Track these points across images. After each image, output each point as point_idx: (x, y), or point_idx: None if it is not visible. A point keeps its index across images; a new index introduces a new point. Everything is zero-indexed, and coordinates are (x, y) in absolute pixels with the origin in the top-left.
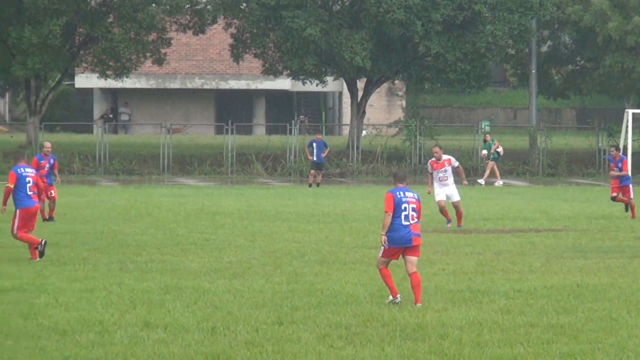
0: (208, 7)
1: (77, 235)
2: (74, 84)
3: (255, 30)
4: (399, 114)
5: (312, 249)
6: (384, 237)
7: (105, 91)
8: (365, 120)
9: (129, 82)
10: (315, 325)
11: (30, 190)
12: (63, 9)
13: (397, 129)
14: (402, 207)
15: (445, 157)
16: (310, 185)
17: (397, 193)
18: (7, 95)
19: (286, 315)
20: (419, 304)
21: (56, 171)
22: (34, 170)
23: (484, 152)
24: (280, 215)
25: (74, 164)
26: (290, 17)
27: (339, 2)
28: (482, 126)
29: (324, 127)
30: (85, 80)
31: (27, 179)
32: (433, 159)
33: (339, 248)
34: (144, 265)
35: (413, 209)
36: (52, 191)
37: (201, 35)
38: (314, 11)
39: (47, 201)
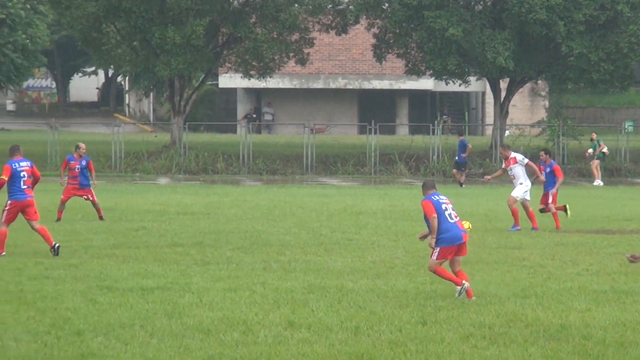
0: (350, 7)
1: (221, 234)
2: (217, 84)
3: (397, 30)
4: (541, 114)
5: None
6: (433, 240)
7: (248, 91)
8: (508, 121)
9: (272, 82)
10: (458, 325)
11: (24, 184)
12: (206, 9)
13: (540, 129)
14: (443, 208)
15: (512, 155)
16: (461, 185)
17: (433, 197)
18: (151, 95)
19: (429, 315)
20: (473, 298)
21: (93, 174)
22: (29, 163)
23: (590, 150)
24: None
25: (217, 163)
26: (432, 17)
27: (481, 2)
28: (626, 126)
29: (466, 127)
30: (229, 80)
31: (22, 173)
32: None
33: (482, 248)
34: (288, 265)
35: (452, 208)
36: (89, 195)
37: (344, 35)
38: (456, 11)
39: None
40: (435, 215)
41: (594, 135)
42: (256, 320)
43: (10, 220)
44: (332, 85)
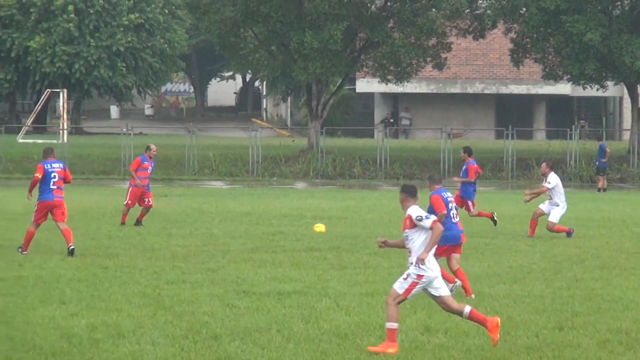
0: (488, 11)
1: (358, 239)
2: (354, 89)
3: (535, 35)
4: None
5: (592, 254)
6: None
7: (385, 96)
8: None
9: (409, 87)
10: (595, 330)
11: (54, 185)
12: (344, 14)
13: None
14: (450, 207)
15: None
16: (599, 190)
17: (443, 193)
18: (288, 99)
19: (566, 320)
20: (472, 295)
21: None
22: (61, 165)
23: None
24: (561, 220)
25: (354, 168)
26: (570, 21)
27: (619, 7)
28: None
29: (604, 132)
30: (366, 84)
31: (53, 174)
32: None
33: (619, 253)
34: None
35: (455, 208)
36: (150, 199)
37: (481, 40)
38: (593, 15)
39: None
40: (445, 212)
41: None
42: None
43: (39, 219)
44: (470, 90)
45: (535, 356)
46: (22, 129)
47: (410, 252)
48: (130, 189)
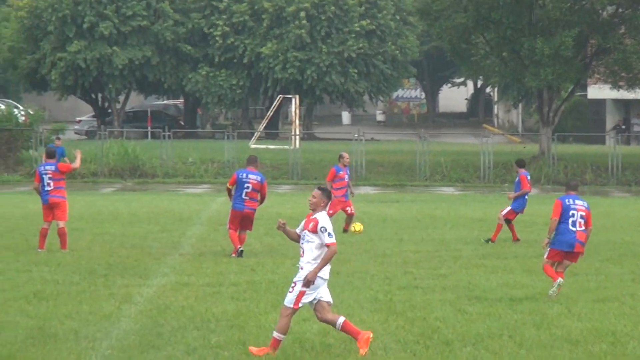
0: None
1: (589, 245)
2: (586, 95)
3: None
4: None
5: None
6: (546, 240)
7: (617, 102)
8: None
9: None
10: None
11: (245, 195)
12: (575, 20)
13: None
14: (570, 214)
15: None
16: None
17: (566, 200)
18: (519, 106)
19: None
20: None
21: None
22: (259, 177)
23: None
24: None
25: (586, 174)
26: None
27: None
28: None
29: None
30: (598, 91)
31: (247, 185)
32: None
33: None
34: None
35: (581, 216)
36: (350, 207)
37: None
38: None
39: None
40: (556, 218)
41: None
42: (625, 332)
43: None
44: None
45: None
46: (255, 135)
47: (303, 252)
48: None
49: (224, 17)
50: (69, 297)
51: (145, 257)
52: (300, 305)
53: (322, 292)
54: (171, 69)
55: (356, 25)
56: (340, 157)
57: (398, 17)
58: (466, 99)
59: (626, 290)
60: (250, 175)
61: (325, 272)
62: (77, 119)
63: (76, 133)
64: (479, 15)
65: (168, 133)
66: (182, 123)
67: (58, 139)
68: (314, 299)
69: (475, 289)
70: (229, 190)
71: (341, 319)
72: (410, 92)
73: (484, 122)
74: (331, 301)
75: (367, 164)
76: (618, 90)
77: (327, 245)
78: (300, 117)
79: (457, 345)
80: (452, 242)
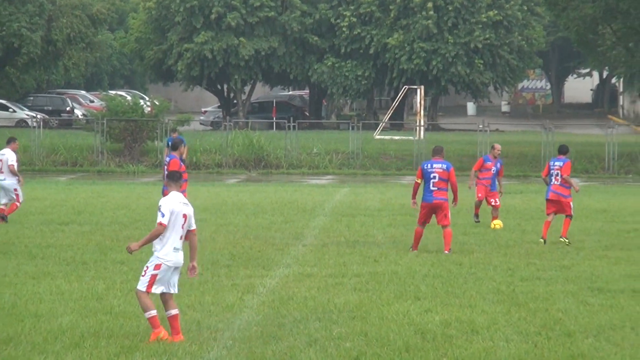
0: None
1: None
2: None
3: None
4: None
5: None
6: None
7: None
8: None
9: None
10: None
11: (433, 186)
12: None
13: None
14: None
15: None
16: None
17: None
18: None
19: None
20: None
21: (500, 178)
22: (444, 165)
23: None
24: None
25: None
26: None
27: None
28: None
29: None
30: None
31: (433, 175)
32: None
33: None
34: None
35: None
36: (494, 199)
37: None
38: None
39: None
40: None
41: None
42: None
43: (419, 220)
44: None
45: None
46: (379, 125)
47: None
48: (476, 184)
49: (352, 7)
50: (192, 287)
51: (268, 248)
52: (153, 289)
53: (173, 284)
54: (297, 59)
55: (483, 15)
56: (492, 147)
57: (525, 8)
58: (591, 89)
59: None
60: (435, 165)
61: (176, 258)
62: (203, 109)
63: (201, 124)
64: (606, 6)
65: (293, 124)
66: (307, 114)
67: (174, 131)
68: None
69: (597, 280)
70: (417, 185)
71: (175, 311)
72: (536, 83)
73: (609, 112)
74: (176, 292)
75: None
76: None
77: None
78: (425, 107)
79: (579, 337)
80: (575, 233)
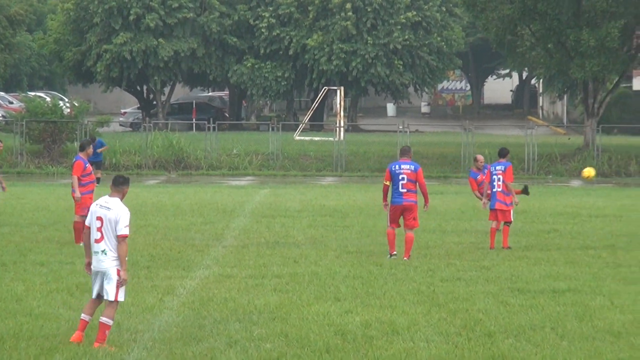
0: None
1: (634, 237)
2: (631, 86)
3: None
4: None
5: None
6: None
7: None
8: None
9: None
10: None
11: (402, 188)
12: (621, 11)
13: None
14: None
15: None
16: None
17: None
18: (564, 97)
19: None
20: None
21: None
22: (412, 167)
23: None
24: None
25: (630, 166)
26: None
27: None
28: None
29: None
30: None
31: (401, 176)
32: None
33: None
34: None
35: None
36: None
37: None
38: None
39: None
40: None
41: None
42: None
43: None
44: None
45: None
46: (299, 126)
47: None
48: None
49: (270, 8)
50: None
51: (188, 249)
52: (93, 293)
53: (105, 290)
54: (216, 60)
55: (402, 17)
56: (475, 160)
57: (444, 9)
58: (511, 90)
59: None
60: (403, 166)
61: (94, 262)
62: (122, 110)
63: (121, 125)
64: (525, 7)
65: (213, 125)
66: (227, 115)
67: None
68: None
69: (518, 280)
70: (386, 187)
71: (104, 319)
72: (455, 84)
73: (528, 113)
74: (110, 299)
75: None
76: None
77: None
78: (344, 108)
79: (499, 337)
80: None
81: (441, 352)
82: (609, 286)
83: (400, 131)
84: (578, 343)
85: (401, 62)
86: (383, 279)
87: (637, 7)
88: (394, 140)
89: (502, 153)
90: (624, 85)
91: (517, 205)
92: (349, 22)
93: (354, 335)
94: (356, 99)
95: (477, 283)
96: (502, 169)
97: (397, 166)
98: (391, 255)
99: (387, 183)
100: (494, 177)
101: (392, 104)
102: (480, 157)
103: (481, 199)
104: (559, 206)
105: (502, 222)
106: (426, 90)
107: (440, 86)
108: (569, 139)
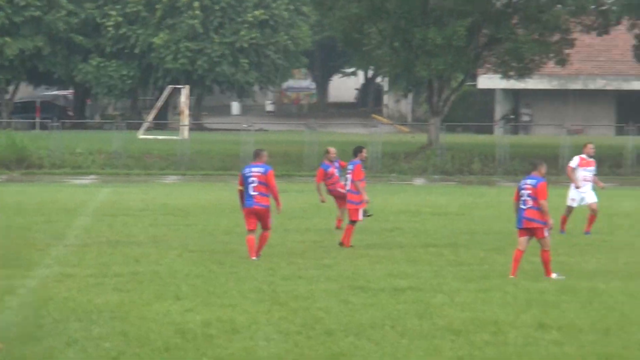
0: (613, 7)
1: (475, 235)
2: (476, 85)
3: None
4: None
5: None
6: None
7: (507, 92)
8: None
9: (531, 83)
10: None
11: (253, 190)
12: (469, 10)
13: None
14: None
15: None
16: None
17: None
18: (409, 96)
19: None
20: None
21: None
22: (261, 169)
23: None
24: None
25: (473, 164)
26: None
27: None
28: None
29: None
30: (488, 80)
31: (251, 179)
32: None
33: None
34: (541, 266)
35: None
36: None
37: (604, 36)
38: None
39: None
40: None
41: None
42: (507, 321)
43: (248, 225)
44: (591, 87)
45: None
46: (143, 125)
47: None
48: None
49: (118, 7)
50: None
51: (28, 248)
52: None
53: None
54: (62, 59)
55: (249, 15)
56: (326, 152)
57: (292, 7)
58: (356, 89)
59: (510, 280)
60: (253, 169)
61: None
62: None
63: None
64: (372, 5)
65: (56, 123)
66: (71, 114)
67: None
68: None
69: (359, 279)
70: (240, 192)
71: None
72: (301, 82)
73: (373, 112)
74: None
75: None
76: (508, 80)
77: None
78: (189, 107)
79: (340, 335)
80: (340, 232)
81: (281, 351)
82: (450, 284)
83: (244, 130)
84: (418, 341)
85: (247, 61)
86: (224, 278)
87: (484, 6)
88: (239, 139)
89: (354, 152)
90: (469, 83)
91: (369, 202)
92: (196, 21)
93: (194, 334)
94: (201, 98)
95: (318, 281)
96: (351, 168)
97: (248, 170)
98: (252, 257)
99: (241, 188)
100: (348, 175)
101: (236, 103)
102: (332, 150)
103: (320, 194)
104: (402, 204)
105: (350, 221)
106: (271, 88)
107: (285, 84)
108: (413, 137)
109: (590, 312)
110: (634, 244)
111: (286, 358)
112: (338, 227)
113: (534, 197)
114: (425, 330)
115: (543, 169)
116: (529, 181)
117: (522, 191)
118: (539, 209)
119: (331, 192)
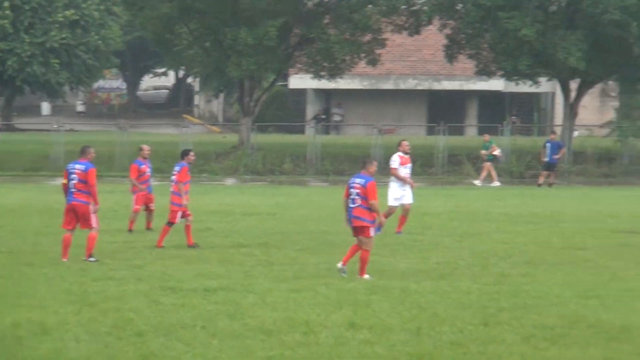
0: (424, 8)
1: (287, 235)
2: (287, 85)
3: (470, 31)
4: (610, 115)
5: (520, 250)
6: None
7: (318, 92)
8: (577, 121)
9: (342, 83)
10: (520, 326)
11: (73, 187)
12: (280, 10)
13: (608, 130)
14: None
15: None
16: (539, 185)
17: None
18: (221, 96)
19: (492, 316)
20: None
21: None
22: (82, 167)
23: (483, 152)
24: (489, 216)
25: (284, 164)
26: (506, 17)
27: (555, 3)
28: None
29: (536, 127)
30: (299, 80)
31: (73, 176)
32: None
33: (546, 249)
34: (353, 266)
35: (357, 194)
36: (152, 204)
37: (415, 36)
38: (530, 12)
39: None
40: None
41: (487, 137)
42: (318, 321)
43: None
44: (403, 86)
45: (459, 352)
46: None
47: None
48: (135, 195)
49: None
50: None
51: None
52: None
53: None
54: None
55: (60, 15)
56: (140, 149)
57: (102, 7)
58: (167, 89)
59: (321, 280)
60: (76, 166)
61: None
62: None
63: None
64: (183, 5)
65: None
66: None
67: None
68: None
69: (170, 279)
70: (64, 186)
71: None
72: (112, 83)
73: (184, 112)
74: None
75: (66, 155)
76: (319, 80)
77: None
78: None
79: (150, 336)
80: (148, 232)
81: (91, 352)
82: (261, 284)
83: (55, 130)
84: (229, 341)
85: (58, 61)
86: (34, 279)
87: (295, 6)
88: (49, 139)
89: (182, 154)
90: (280, 83)
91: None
92: (6, 21)
93: (2, 335)
94: (11, 98)
95: (129, 282)
96: (178, 169)
97: (71, 166)
98: (63, 259)
99: (65, 181)
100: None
101: (47, 103)
102: (145, 147)
103: (138, 191)
104: (213, 204)
105: (167, 222)
106: (82, 89)
107: (96, 85)
108: (224, 137)
109: (402, 312)
110: (444, 243)
111: (96, 359)
112: (148, 228)
113: (364, 197)
114: (237, 331)
115: (372, 168)
116: (358, 180)
117: (352, 190)
118: (367, 208)
119: (139, 191)
